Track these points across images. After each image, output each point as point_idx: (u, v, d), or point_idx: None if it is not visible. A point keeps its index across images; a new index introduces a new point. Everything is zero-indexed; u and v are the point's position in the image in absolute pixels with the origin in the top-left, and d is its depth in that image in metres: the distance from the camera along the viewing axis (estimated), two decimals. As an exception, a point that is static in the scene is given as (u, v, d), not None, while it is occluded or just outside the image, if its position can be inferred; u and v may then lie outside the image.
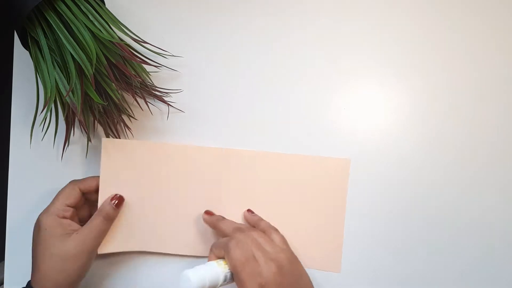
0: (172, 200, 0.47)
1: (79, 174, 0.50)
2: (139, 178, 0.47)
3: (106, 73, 0.41)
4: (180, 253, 0.48)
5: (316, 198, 0.47)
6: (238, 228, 0.43)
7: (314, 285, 0.43)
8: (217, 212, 0.48)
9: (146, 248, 0.47)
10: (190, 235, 0.47)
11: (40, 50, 0.41)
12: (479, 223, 0.47)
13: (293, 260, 0.42)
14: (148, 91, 0.46)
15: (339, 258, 0.47)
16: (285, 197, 0.48)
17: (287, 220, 0.47)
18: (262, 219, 0.47)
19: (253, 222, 0.46)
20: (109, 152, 0.46)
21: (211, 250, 0.43)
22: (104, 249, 0.46)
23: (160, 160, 0.47)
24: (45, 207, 0.43)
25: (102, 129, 0.48)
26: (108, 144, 0.46)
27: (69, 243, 0.42)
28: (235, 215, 0.48)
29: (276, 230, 0.45)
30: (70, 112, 0.43)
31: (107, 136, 0.47)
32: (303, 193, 0.47)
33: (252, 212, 0.48)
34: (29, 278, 0.42)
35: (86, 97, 0.41)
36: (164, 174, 0.47)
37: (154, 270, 0.49)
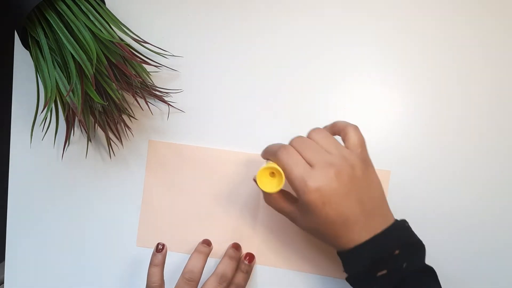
0: (210, 204, 0.48)
1: (79, 174, 0.50)
2: (180, 180, 0.48)
3: (106, 73, 0.41)
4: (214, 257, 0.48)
5: None
6: (298, 137, 0.38)
7: None
8: (252, 219, 0.47)
9: (181, 250, 0.49)
10: (227, 239, 0.48)
11: (41, 50, 0.41)
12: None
13: (361, 167, 0.36)
14: (148, 91, 0.46)
15: None
16: None
17: None
18: (338, 121, 0.40)
19: (330, 127, 0.41)
20: (154, 153, 0.49)
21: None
22: (142, 243, 0.49)
23: (199, 164, 0.48)
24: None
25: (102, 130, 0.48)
26: (153, 145, 0.49)
27: None
28: (271, 221, 0.47)
29: (355, 127, 0.38)
30: (70, 112, 0.43)
31: (107, 136, 0.47)
32: None
33: None
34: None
35: (86, 97, 0.41)
36: (202, 178, 0.48)
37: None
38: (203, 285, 0.43)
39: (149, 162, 0.49)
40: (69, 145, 0.50)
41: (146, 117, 0.49)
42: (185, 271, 0.43)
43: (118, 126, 0.48)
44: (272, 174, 0.38)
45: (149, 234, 0.49)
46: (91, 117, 0.45)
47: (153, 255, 0.44)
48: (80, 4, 0.40)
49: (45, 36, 0.40)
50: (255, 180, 0.38)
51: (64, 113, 0.43)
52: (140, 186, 0.49)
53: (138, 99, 0.48)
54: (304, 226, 0.38)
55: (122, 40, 0.41)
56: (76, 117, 0.42)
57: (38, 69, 0.41)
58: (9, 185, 0.51)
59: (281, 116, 0.48)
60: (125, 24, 0.43)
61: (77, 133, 0.50)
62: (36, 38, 0.40)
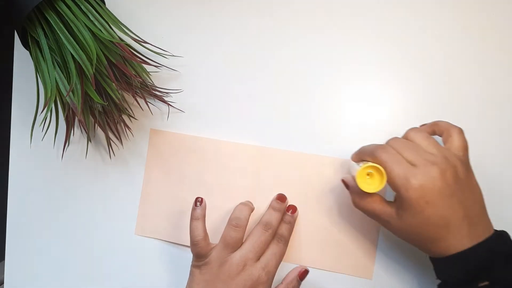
0: (210, 194, 0.48)
1: (79, 174, 0.50)
2: (180, 169, 0.49)
3: (106, 73, 0.41)
4: None
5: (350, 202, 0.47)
6: (394, 138, 0.37)
7: None
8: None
9: (179, 240, 0.49)
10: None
11: (41, 50, 0.41)
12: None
13: (464, 170, 0.35)
14: (148, 91, 0.46)
15: (372, 265, 0.46)
16: (319, 199, 0.47)
17: (319, 223, 0.47)
18: (440, 121, 0.39)
19: (430, 126, 0.40)
20: (155, 142, 0.49)
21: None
22: (140, 232, 0.49)
23: (199, 154, 0.48)
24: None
25: (102, 130, 0.48)
26: (154, 134, 0.49)
27: None
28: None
29: (460, 130, 0.37)
30: (70, 112, 0.43)
31: (107, 136, 0.47)
32: (337, 196, 0.47)
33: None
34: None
35: (86, 97, 0.42)
36: (202, 168, 0.48)
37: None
38: (250, 233, 0.43)
39: (150, 150, 0.49)
40: (69, 145, 0.50)
41: (146, 117, 0.49)
42: (231, 218, 0.43)
43: (118, 126, 0.48)
44: (369, 174, 0.36)
45: (147, 223, 0.49)
46: (91, 117, 0.45)
47: (193, 209, 0.44)
48: (80, 4, 0.40)
49: (45, 36, 0.40)
50: (344, 181, 0.37)
51: (64, 113, 0.43)
52: (139, 186, 0.49)
53: (138, 99, 0.48)
54: (400, 228, 0.36)
55: (122, 40, 0.41)
56: (76, 117, 0.42)
57: (38, 69, 0.41)
58: (9, 185, 0.51)
59: (282, 116, 0.48)
60: (125, 24, 0.43)
61: (77, 133, 0.50)
62: (36, 38, 0.40)
